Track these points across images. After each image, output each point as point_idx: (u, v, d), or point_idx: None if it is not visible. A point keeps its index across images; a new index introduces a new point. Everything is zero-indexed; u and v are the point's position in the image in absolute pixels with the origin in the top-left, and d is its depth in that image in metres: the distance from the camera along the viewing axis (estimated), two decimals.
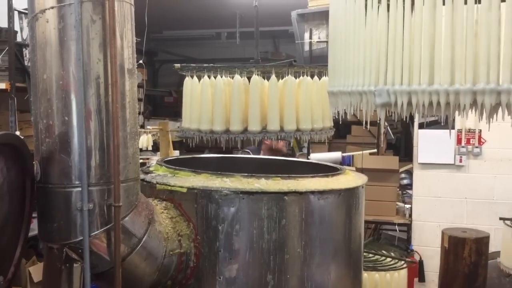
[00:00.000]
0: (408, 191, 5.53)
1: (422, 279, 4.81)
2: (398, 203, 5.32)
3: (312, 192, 2.44)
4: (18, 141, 1.95)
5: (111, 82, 2.01)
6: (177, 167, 2.64)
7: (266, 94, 2.95)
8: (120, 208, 2.05)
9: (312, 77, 3.03)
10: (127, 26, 2.10)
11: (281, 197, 2.38)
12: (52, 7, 1.97)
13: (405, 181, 6.12)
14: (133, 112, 2.16)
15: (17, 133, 4.79)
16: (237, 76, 2.94)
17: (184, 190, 2.41)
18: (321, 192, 2.46)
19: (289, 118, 2.94)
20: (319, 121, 3.04)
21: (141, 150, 5.26)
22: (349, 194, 2.59)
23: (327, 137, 3.14)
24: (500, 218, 3.49)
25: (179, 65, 3.11)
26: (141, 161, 5.39)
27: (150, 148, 5.29)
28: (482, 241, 3.09)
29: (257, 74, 2.94)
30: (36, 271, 4.12)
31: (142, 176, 2.58)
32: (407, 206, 5.17)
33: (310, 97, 2.99)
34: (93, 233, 2.03)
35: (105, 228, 2.06)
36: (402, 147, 8.76)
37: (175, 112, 9.32)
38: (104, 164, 2.04)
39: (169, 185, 2.46)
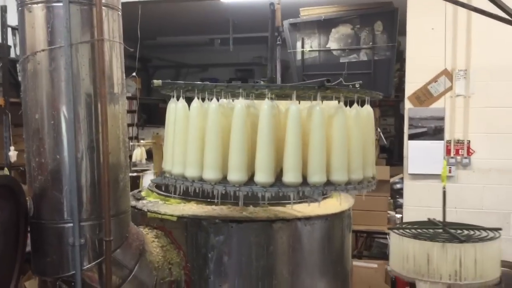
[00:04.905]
0: (400, 200, 5.60)
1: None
2: (389, 212, 5.39)
3: (299, 219, 2.51)
4: (11, 182, 2.00)
5: (101, 121, 2.07)
6: (167, 194, 2.70)
7: (282, 127, 2.01)
8: (111, 242, 2.11)
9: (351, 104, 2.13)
10: (117, 64, 2.16)
11: (268, 224, 2.45)
12: (43, 50, 2.02)
13: (398, 186, 6.18)
14: (123, 147, 2.22)
15: (12, 148, 4.83)
16: (240, 101, 1.99)
17: (174, 218, 2.48)
18: (308, 218, 2.53)
19: (316, 166, 1.98)
20: (359, 170, 2.08)
21: (135, 163, 5.33)
22: (336, 219, 2.66)
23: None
24: (389, 229, 3.53)
25: (160, 81, 2.12)
26: (135, 173, 5.50)
27: (144, 161, 5.35)
28: None
29: (271, 98, 1.98)
30: (32, 286, 4.17)
31: (133, 203, 2.64)
32: (398, 215, 5.24)
33: (349, 135, 2.05)
34: (85, 267, 2.10)
35: (96, 261, 2.12)
36: (396, 150, 8.83)
37: None
38: (95, 200, 2.10)
39: (160, 213, 2.52)
